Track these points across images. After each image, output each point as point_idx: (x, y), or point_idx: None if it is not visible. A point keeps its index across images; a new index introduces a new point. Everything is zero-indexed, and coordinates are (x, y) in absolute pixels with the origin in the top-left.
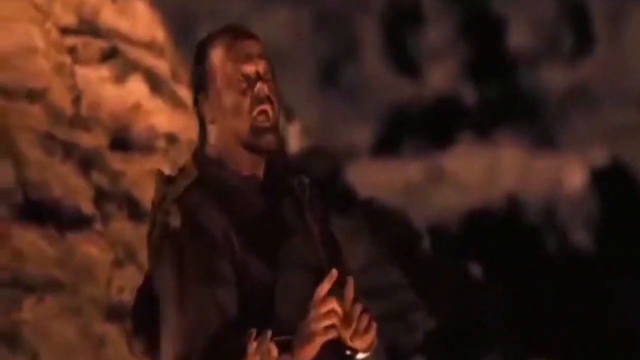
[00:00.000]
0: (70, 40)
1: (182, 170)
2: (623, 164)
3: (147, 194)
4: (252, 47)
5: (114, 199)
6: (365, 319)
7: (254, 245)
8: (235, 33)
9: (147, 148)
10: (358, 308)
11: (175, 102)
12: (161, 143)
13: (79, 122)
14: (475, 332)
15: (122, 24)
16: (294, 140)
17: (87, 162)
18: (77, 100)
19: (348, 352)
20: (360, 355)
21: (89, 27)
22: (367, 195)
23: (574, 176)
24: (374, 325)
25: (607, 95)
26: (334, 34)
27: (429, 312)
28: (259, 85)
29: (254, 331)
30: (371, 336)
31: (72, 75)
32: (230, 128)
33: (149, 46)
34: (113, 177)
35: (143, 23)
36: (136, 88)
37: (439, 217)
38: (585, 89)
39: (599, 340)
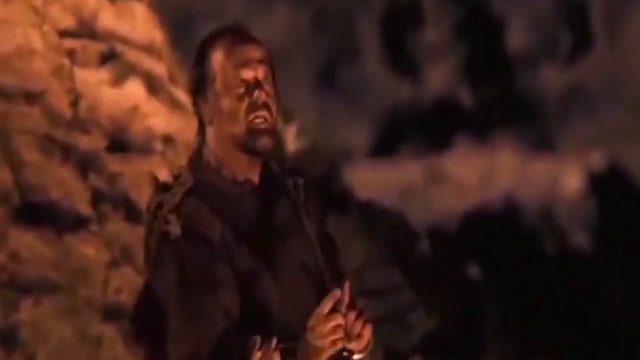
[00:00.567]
0: (69, 43)
1: (177, 178)
2: (621, 166)
3: (144, 196)
4: (252, 52)
5: (111, 200)
6: (359, 324)
7: (251, 249)
8: (237, 36)
9: (144, 150)
10: (352, 315)
11: (173, 105)
12: (158, 145)
13: (77, 124)
14: (472, 333)
15: (121, 27)
16: (292, 140)
17: (84, 164)
18: (75, 102)
19: (344, 354)
20: (356, 356)
21: (87, 30)
22: (364, 196)
23: (572, 178)
24: (369, 326)
25: (606, 98)
26: (332, 34)
27: (426, 313)
28: (256, 92)
29: (258, 339)
30: (367, 337)
31: (71, 77)
32: (226, 131)
33: (147, 49)
34: (110, 179)
35: (141, 26)
36: (134, 90)
37: (436, 219)
38: (584, 91)
39: (596, 341)
